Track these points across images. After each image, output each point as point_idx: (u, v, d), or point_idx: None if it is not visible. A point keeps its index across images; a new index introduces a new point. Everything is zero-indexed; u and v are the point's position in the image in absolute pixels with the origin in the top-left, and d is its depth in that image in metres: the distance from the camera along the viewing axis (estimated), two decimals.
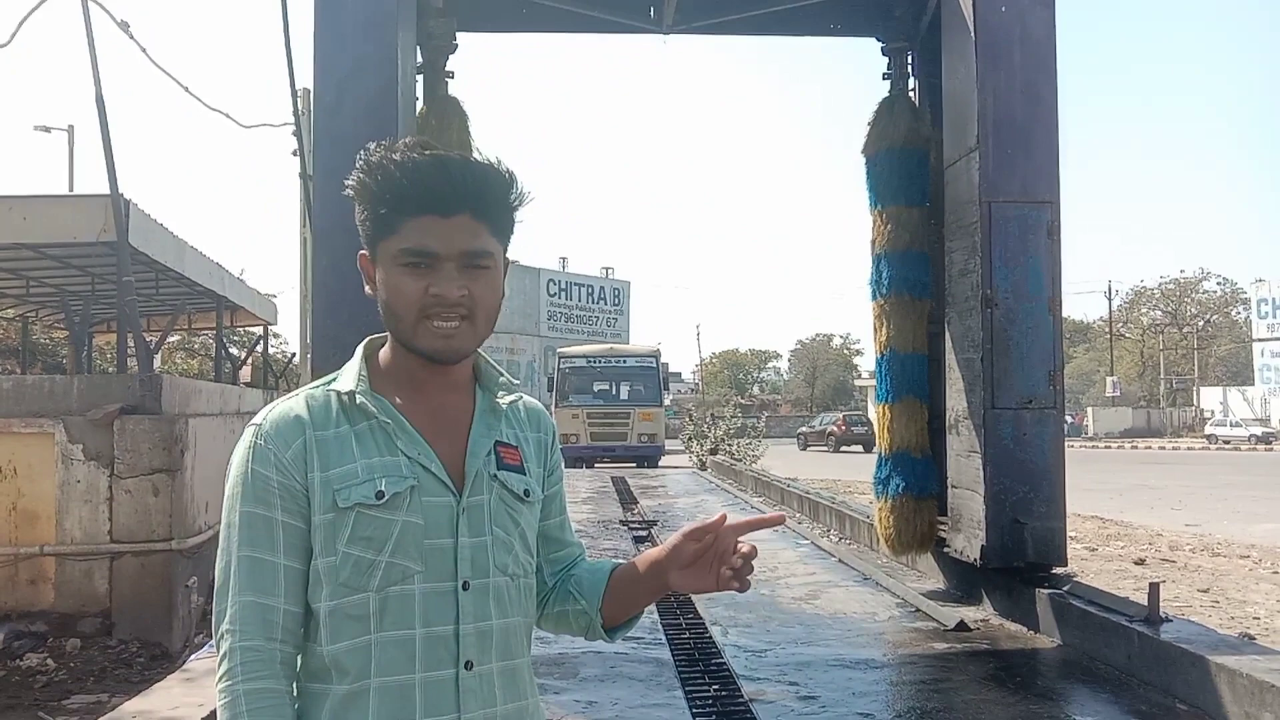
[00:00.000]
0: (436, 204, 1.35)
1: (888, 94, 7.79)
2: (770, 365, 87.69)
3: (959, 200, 6.74)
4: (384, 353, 1.46)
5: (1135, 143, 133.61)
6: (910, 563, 8.22)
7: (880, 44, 7.91)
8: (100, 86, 7.85)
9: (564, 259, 52.09)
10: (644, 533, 11.04)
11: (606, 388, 28.11)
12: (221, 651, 1.33)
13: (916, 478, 7.43)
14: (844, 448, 42.40)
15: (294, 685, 1.36)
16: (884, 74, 7.84)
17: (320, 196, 6.08)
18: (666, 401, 34.74)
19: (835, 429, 44.06)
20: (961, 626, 6.13)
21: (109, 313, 16.36)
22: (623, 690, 5.04)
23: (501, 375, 1.51)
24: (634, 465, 25.61)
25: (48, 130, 23.81)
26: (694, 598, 7.14)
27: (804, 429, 47.01)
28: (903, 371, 7.53)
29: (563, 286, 49.69)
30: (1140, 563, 10.81)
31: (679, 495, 16.13)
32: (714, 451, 24.45)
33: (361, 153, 1.38)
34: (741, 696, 4.81)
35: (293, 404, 1.40)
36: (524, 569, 1.46)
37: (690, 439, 27.90)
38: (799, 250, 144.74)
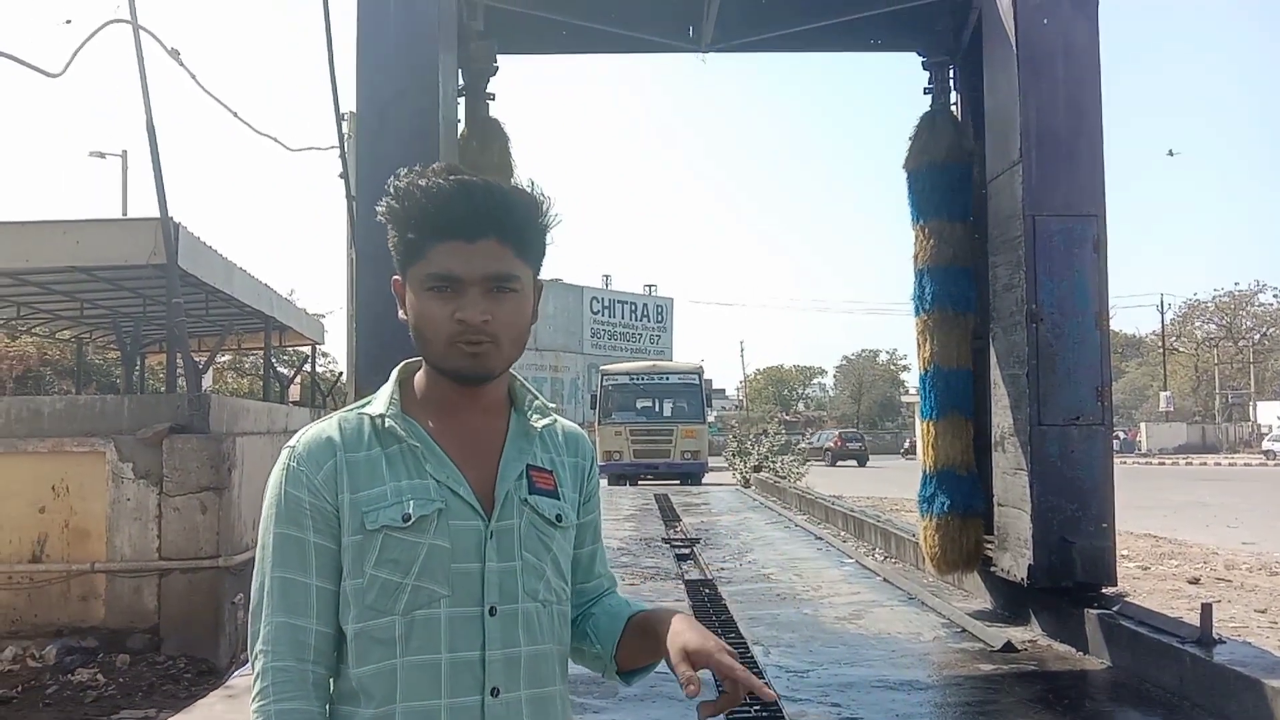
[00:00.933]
0: (461, 229, 1.36)
1: (929, 108, 7.73)
2: (815, 381, 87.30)
3: (1002, 214, 6.66)
4: (419, 377, 1.47)
5: (1188, 152, 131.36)
6: (956, 582, 8.09)
7: (921, 58, 7.86)
8: (151, 113, 8.06)
9: (607, 277, 52.32)
10: (686, 550, 10.97)
11: (650, 405, 28.12)
12: (256, 671, 1.34)
13: (962, 495, 7.32)
14: (839, 462, 45.58)
15: (326, 706, 1.36)
16: (925, 88, 7.78)
17: (363, 219, 6.15)
18: (710, 418, 34.63)
19: (832, 445, 47.70)
20: (1008, 647, 6.01)
21: (160, 333, 16.69)
22: (662, 710, 5.00)
23: (536, 398, 1.51)
24: (677, 482, 25.53)
25: (102, 156, 24.53)
26: (736, 617, 7.09)
27: (803, 444, 49.07)
28: (947, 388, 7.43)
29: (606, 304, 49.84)
30: (1195, 582, 10.57)
31: (722, 513, 16.05)
32: (758, 469, 24.33)
33: (392, 178, 1.40)
34: (783, 717, 4.75)
35: (325, 426, 1.41)
36: (557, 595, 1.44)
37: (734, 456, 27.78)
38: (844, 265, 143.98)
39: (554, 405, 1.55)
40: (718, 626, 6.80)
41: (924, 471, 7.60)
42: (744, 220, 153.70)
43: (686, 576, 9.12)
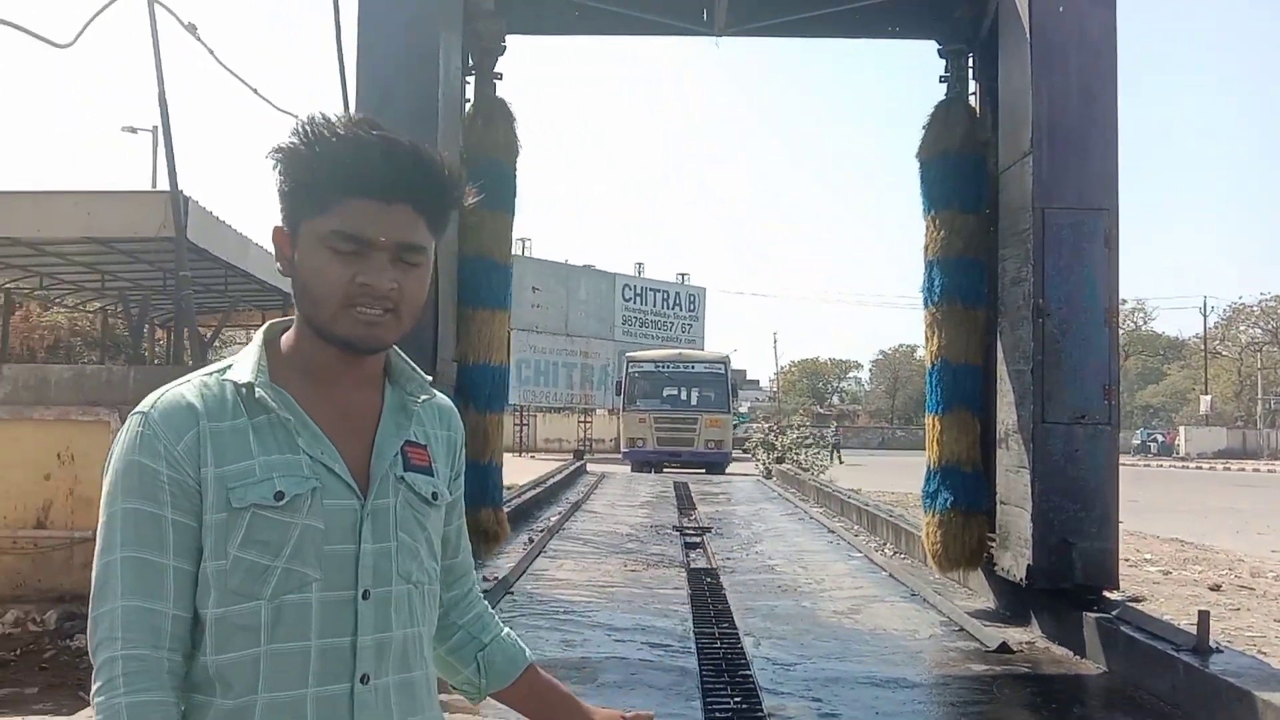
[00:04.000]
0: (378, 188, 1.26)
1: (944, 97, 7.58)
2: (851, 375, 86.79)
3: (1013, 206, 6.52)
4: (288, 339, 1.36)
5: (1238, 152, 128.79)
6: (962, 580, 7.97)
7: (938, 46, 7.70)
8: (163, 87, 8.06)
9: (640, 264, 52.01)
10: (697, 539, 10.93)
11: (675, 393, 28.03)
12: (100, 660, 1.21)
13: (966, 492, 7.18)
14: None
15: (181, 697, 1.25)
16: (941, 76, 7.63)
17: None
18: (742, 409, 34.39)
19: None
20: (1004, 648, 5.90)
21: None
22: (640, 698, 4.94)
23: (415, 371, 1.41)
24: (701, 471, 25.49)
25: (134, 131, 24.65)
26: (733, 607, 7.01)
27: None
28: (954, 382, 7.29)
29: (638, 292, 49.57)
30: (1216, 589, 10.32)
31: (739, 503, 15.98)
32: (780, 460, 24.21)
33: (300, 120, 1.29)
34: (760, 711, 4.68)
35: (184, 390, 1.29)
36: (429, 576, 1.37)
37: (757, 447, 27.66)
38: (883, 258, 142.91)
39: (429, 379, 1.46)
40: (712, 616, 6.74)
41: (928, 467, 7.48)
42: (780, 211, 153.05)
43: (692, 565, 9.07)
